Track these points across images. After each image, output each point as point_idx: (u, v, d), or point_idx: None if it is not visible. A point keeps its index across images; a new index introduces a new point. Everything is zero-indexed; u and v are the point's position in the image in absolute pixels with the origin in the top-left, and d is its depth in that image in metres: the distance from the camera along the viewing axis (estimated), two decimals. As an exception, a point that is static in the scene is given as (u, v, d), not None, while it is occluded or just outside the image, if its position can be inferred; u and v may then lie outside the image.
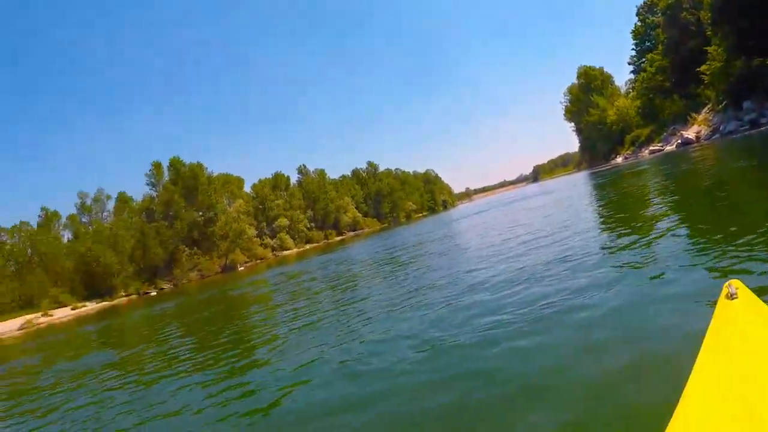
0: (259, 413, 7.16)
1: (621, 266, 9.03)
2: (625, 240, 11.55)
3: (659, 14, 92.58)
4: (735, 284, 3.09)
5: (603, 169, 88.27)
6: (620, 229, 13.48)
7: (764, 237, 7.90)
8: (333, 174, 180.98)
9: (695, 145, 63.48)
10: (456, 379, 6.01)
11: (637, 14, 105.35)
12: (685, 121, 78.16)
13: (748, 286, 3.13)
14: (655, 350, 5.02)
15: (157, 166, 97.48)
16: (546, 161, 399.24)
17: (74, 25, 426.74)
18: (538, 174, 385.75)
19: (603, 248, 11.34)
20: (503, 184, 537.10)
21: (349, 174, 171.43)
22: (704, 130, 68.35)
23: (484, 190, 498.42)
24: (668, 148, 75.54)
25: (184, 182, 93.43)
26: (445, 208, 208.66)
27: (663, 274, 7.63)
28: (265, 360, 10.25)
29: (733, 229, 9.32)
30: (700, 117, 73.05)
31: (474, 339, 7.27)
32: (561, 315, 7.14)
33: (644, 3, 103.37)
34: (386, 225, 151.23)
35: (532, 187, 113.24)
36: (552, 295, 8.30)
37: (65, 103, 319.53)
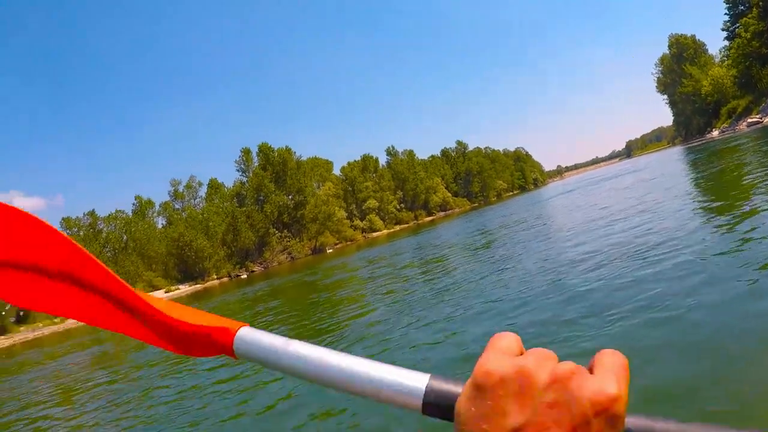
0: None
1: (705, 257, 8.45)
2: (712, 228, 11.00)
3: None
4: None
5: (697, 144, 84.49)
6: (707, 214, 12.81)
7: None
8: (422, 154, 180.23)
9: None
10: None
11: None
12: None
13: None
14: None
15: (246, 152, 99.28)
16: (639, 136, 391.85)
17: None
18: (630, 150, 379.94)
19: (688, 238, 10.57)
20: (595, 161, 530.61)
21: (439, 154, 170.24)
22: None
23: (576, 167, 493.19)
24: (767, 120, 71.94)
25: (274, 167, 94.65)
26: (536, 186, 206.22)
27: (758, 270, 6.94)
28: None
29: None
30: None
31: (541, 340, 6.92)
32: (640, 315, 6.68)
33: None
34: (476, 204, 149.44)
35: (625, 165, 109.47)
36: (629, 290, 7.86)
37: (154, 97, 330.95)
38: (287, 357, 0.79)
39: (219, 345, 0.94)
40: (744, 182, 17.76)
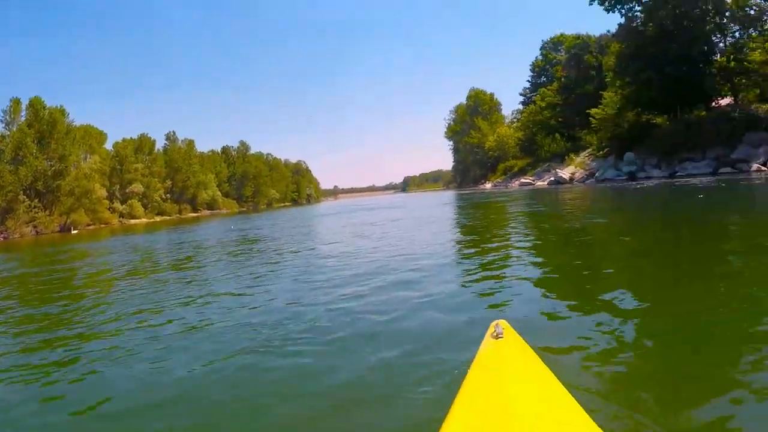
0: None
1: (403, 296, 8.32)
2: (420, 268, 11.06)
3: (563, 53, 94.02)
4: (502, 324, 3.34)
5: (469, 191, 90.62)
6: (427, 258, 12.69)
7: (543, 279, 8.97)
8: (203, 147, 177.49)
9: (568, 185, 63.96)
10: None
11: (541, 48, 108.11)
12: (562, 160, 79.05)
13: (515, 327, 3.44)
14: (416, 386, 4.62)
15: (15, 102, 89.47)
16: (418, 174, 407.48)
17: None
18: (407, 185, 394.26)
19: (394, 275, 10.64)
20: (372, 189, 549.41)
21: (219, 150, 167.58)
22: (580, 173, 69.00)
23: (353, 191, 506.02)
24: (539, 183, 76.80)
25: (41, 126, 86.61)
26: (309, 202, 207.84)
27: (432, 308, 7.27)
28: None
29: (522, 266, 10.17)
30: (579, 159, 74.29)
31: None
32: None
33: (550, 39, 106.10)
34: (245, 209, 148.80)
35: (396, 197, 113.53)
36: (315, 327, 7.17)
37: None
38: None
39: None
40: (475, 232, 19.37)
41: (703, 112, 55.20)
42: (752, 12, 55.11)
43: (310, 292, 9.35)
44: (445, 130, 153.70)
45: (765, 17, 54.70)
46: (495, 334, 3.20)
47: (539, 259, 11.17)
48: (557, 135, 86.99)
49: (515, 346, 3.08)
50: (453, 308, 7.13)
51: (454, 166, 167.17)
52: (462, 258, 12.41)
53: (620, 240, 14.01)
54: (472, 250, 13.64)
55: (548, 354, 4.73)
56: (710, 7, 55.21)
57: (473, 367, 2.92)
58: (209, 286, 11.43)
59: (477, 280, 9.01)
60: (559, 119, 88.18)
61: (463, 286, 8.70)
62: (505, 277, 9.11)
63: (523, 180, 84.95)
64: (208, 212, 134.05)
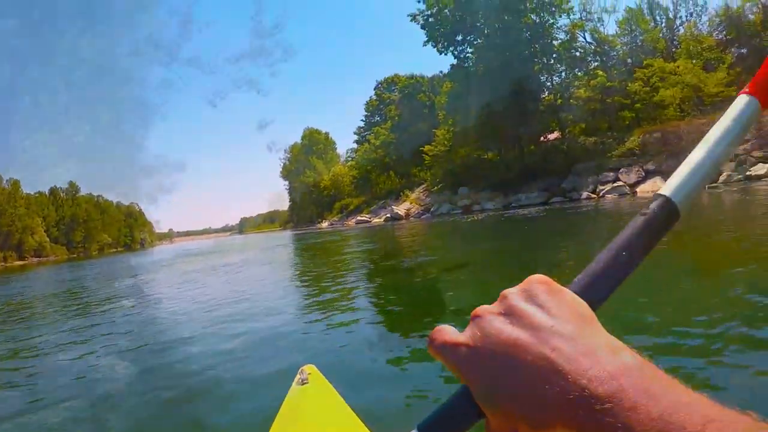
0: None
1: (211, 344, 8.67)
2: (239, 316, 11.20)
3: (396, 92, 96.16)
4: (308, 369, 3.28)
5: (303, 231, 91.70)
6: (249, 305, 12.80)
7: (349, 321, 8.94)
8: (29, 188, 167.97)
9: (404, 221, 65.82)
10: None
11: (375, 88, 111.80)
12: (397, 197, 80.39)
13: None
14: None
15: None
16: (255, 215, 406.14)
17: None
18: (243, 226, 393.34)
19: (213, 322, 10.90)
20: (207, 231, 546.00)
21: (47, 191, 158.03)
22: (415, 208, 71.00)
23: (188, 234, 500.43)
24: (376, 220, 78.27)
25: None
26: (143, 247, 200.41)
27: (246, 358, 7.43)
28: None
29: (329, 312, 10.08)
30: (413, 195, 76.49)
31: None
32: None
33: (384, 79, 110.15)
34: (75, 255, 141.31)
35: (234, 240, 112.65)
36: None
37: None
38: None
39: None
40: (297, 273, 20.42)
41: (533, 146, 58.89)
42: (577, 54, 60.30)
43: (119, 353, 8.97)
44: (281, 169, 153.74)
45: (589, 58, 59.93)
46: (300, 380, 3.20)
47: (362, 301, 11.25)
48: (392, 172, 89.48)
49: (320, 390, 3.11)
50: (267, 356, 7.22)
51: (290, 206, 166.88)
52: (285, 303, 12.42)
53: (446, 277, 14.16)
54: (297, 295, 14.07)
55: (356, 394, 4.86)
56: (538, 49, 59.68)
57: (279, 415, 2.92)
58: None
59: (297, 326, 9.21)
60: (393, 157, 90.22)
61: (281, 332, 8.76)
62: (324, 320, 9.30)
63: (359, 218, 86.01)
64: (35, 260, 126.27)
